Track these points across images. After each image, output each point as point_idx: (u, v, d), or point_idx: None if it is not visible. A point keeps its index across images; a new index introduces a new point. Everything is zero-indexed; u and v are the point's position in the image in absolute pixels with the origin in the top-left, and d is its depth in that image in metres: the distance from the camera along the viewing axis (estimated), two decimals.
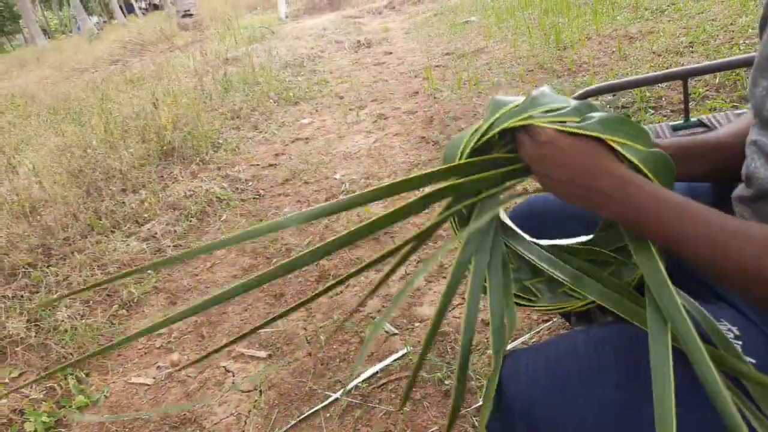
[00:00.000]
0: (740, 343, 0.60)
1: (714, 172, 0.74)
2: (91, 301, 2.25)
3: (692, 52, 3.35)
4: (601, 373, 0.62)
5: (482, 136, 0.67)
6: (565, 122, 0.62)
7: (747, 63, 1.24)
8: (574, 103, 0.64)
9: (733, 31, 3.45)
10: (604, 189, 0.59)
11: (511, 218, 0.87)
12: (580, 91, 1.30)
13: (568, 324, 1.51)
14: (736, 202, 0.69)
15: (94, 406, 1.75)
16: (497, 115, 0.66)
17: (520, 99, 0.67)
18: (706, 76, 2.86)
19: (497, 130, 0.66)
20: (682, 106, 2.70)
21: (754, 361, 0.59)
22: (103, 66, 9.34)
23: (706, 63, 1.24)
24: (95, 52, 11.12)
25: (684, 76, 1.26)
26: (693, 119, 1.31)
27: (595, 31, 4.44)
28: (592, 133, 0.61)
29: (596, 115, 0.63)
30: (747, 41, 3.21)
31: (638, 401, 0.58)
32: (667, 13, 4.38)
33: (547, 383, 0.64)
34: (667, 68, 3.18)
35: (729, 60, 1.23)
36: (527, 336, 1.61)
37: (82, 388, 1.82)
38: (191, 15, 12.03)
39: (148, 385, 1.81)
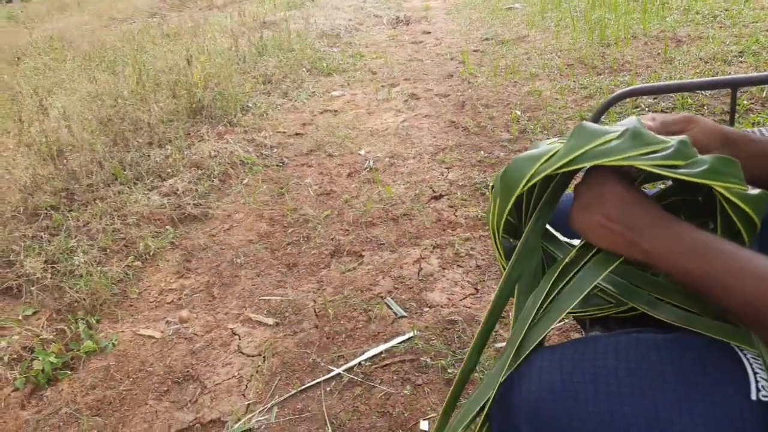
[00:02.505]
0: None
1: None
2: (108, 250, 2.28)
3: (741, 62, 3.23)
4: (619, 383, 0.60)
5: (562, 166, 0.62)
6: (671, 166, 0.58)
7: None
8: (672, 141, 0.60)
9: None
10: (638, 225, 0.60)
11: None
12: (621, 91, 1.25)
13: (580, 327, 1.48)
14: None
15: (101, 353, 1.78)
16: (587, 148, 0.60)
17: (612, 130, 0.62)
18: (753, 89, 2.76)
19: (588, 165, 0.61)
20: (725, 117, 2.62)
21: None
22: (141, 17, 9.36)
23: (759, 74, 1.18)
24: (135, 2, 11.13)
25: (734, 85, 1.20)
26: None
27: (642, 30, 4.30)
28: (698, 180, 0.58)
29: (703, 159, 0.59)
30: None
31: (654, 415, 0.56)
32: (719, 19, 4.22)
33: (561, 387, 0.62)
34: (714, 75, 3.08)
35: None
36: None
37: (92, 333, 1.85)
38: None
39: (156, 338, 1.83)
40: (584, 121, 0.64)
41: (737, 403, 0.55)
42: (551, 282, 0.67)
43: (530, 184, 0.63)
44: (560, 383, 0.62)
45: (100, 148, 2.99)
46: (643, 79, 3.30)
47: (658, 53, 3.71)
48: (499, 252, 0.74)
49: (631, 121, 0.64)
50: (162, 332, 1.85)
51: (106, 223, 2.41)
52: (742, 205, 0.59)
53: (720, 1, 4.66)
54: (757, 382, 0.57)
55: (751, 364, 0.58)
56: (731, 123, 1.24)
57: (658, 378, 0.57)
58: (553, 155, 0.62)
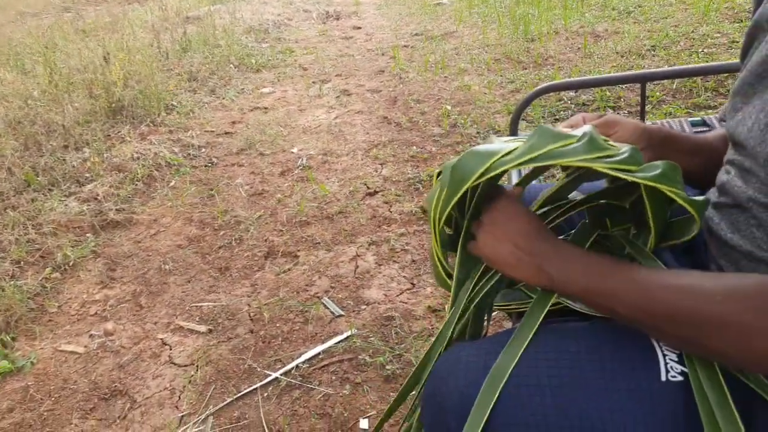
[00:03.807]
0: (677, 352, 0.61)
1: (697, 168, 0.77)
2: (22, 262, 2.13)
3: (654, 55, 3.42)
4: (538, 374, 0.61)
5: (521, 163, 0.62)
6: (626, 170, 0.60)
7: (703, 72, 1.26)
8: (624, 147, 0.63)
9: (693, 39, 3.53)
10: (541, 251, 0.64)
11: None
12: (543, 85, 1.28)
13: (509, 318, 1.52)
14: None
15: (18, 373, 1.66)
16: (548, 148, 0.61)
17: (573, 135, 0.63)
18: (665, 82, 2.93)
19: (547, 164, 0.62)
20: (639, 108, 2.77)
21: (687, 370, 0.59)
22: (54, 12, 8.79)
23: (665, 68, 1.25)
24: None
25: (642, 80, 1.27)
26: (648, 123, 1.33)
27: (563, 26, 4.47)
28: (653, 184, 0.60)
29: (656, 164, 0.62)
30: (706, 50, 3.29)
31: (574, 406, 0.58)
32: (633, 15, 4.45)
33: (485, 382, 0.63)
34: (628, 69, 3.24)
35: (686, 68, 1.25)
36: None
37: (7, 353, 1.72)
38: None
39: (79, 353, 1.73)
40: (544, 124, 0.65)
41: (648, 387, 0.57)
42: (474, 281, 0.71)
43: (484, 178, 0.63)
44: (484, 378, 0.62)
45: (8, 152, 2.78)
46: (566, 73, 3.43)
47: (579, 48, 3.87)
48: (436, 240, 0.74)
49: (587, 126, 0.65)
50: (85, 347, 1.75)
51: (19, 233, 2.25)
52: (691, 209, 0.63)
53: None
54: (666, 363, 0.59)
55: (660, 347, 0.61)
56: (641, 115, 1.31)
57: (575, 368, 0.59)
58: (510, 152, 0.62)
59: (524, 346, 0.62)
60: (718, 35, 3.51)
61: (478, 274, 0.73)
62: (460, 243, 0.74)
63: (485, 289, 0.72)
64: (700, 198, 0.65)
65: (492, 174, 0.62)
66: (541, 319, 0.64)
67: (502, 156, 0.62)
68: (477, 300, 0.72)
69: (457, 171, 0.64)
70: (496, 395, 0.59)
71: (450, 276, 0.76)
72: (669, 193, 0.61)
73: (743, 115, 0.66)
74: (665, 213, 0.68)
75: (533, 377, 0.60)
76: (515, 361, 0.61)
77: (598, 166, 0.60)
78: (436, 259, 0.76)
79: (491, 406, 0.58)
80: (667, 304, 0.55)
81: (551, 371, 0.60)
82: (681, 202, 0.63)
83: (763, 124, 0.61)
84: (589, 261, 0.63)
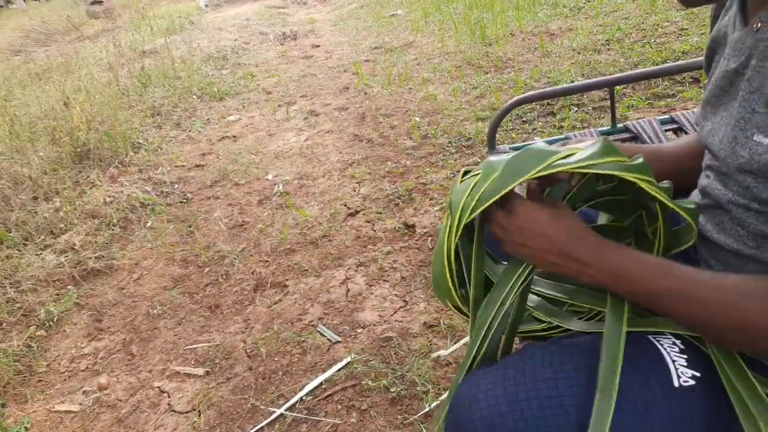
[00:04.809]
0: (685, 356, 0.63)
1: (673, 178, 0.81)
2: (4, 324, 2.07)
3: (609, 49, 3.52)
4: (560, 394, 0.63)
5: (580, 168, 0.64)
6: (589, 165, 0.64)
7: (666, 73, 1.31)
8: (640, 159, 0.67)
9: (644, 29, 3.65)
10: (582, 256, 0.65)
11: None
12: (516, 99, 1.32)
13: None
14: None
15: None
16: (607, 160, 0.64)
17: (563, 149, 0.66)
18: None
19: (600, 172, 0.64)
20: (602, 104, 2.84)
21: (698, 374, 0.62)
22: (2, 57, 8.58)
23: (631, 72, 1.30)
24: None
25: (610, 85, 1.31)
26: (619, 125, 1.37)
27: (518, 27, 4.56)
28: (669, 204, 0.66)
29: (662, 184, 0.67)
30: (658, 39, 3.41)
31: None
32: (583, 10, 4.57)
33: (507, 408, 0.64)
34: (586, 65, 3.32)
35: (651, 70, 1.30)
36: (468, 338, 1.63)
37: None
38: (101, 2, 11.26)
39: (75, 412, 1.69)
40: (605, 138, 0.68)
41: (663, 394, 0.59)
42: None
43: (540, 174, 0.64)
44: (506, 404, 0.64)
45: None
46: (526, 74, 3.50)
47: (536, 48, 3.96)
48: (455, 233, 0.70)
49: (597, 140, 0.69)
50: (80, 404, 1.71)
51: None
52: (687, 217, 0.69)
53: None
54: (676, 369, 0.62)
55: (668, 353, 0.63)
56: (612, 118, 1.35)
57: (593, 383, 0.61)
58: (567, 156, 0.65)
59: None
60: (668, 24, 3.63)
61: (502, 297, 0.71)
62: (474, 262, 0.73)
63: (509, 313, 0.72)
64: (692, 204, 0.68)
65: (547, 172, 0.63)
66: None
67: (562, 158, 0.64)
68: (499, 323, 0.71)
69: (514, 164, 0.65)
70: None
71: (455, 285, 0.74)
72: (672, 205, 0.66)
73: (713, 125, 0.70)
74: (669, 223, 0.72)
75: (555, 398, 0.62)
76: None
77: (647, 186, 0.65)
78: (445, 259, 0.72)
79: None
80: (707, 303, 0.59)
81: (572, 389, 0.62)
82: (680, 210, 0.66)
83: (731, 137, 0.64)
84: (637, 260, 0.64)
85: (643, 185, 0.64)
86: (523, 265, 0.70)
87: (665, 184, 0.67)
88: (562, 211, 0.68)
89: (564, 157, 0.64)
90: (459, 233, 0.69)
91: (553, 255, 0.66)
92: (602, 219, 0.80)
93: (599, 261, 0.64)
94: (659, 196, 0.65)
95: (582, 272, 0.65)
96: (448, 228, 0.70)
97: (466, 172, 0.72)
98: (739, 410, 0.56)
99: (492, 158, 0.69)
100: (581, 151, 0.66)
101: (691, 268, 0.63)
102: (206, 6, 10.98)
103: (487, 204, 0.66)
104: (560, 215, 0.67)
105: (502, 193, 0.65)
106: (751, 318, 0.55)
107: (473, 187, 0.68)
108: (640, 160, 0.66)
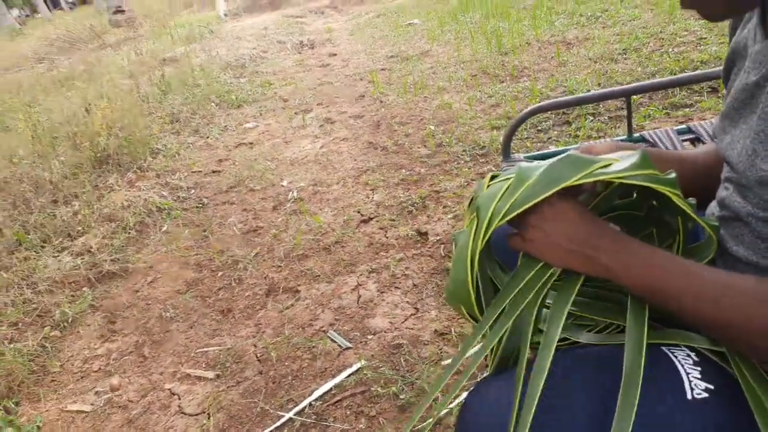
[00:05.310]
0: (699, 369, 0.62)
1: (694, 185, 0.80)
2: (20, 323, 2.10)
3: (626, 59, 3.49)
4: (571, 405, 0.62)
5: (621, 177, 0.64)
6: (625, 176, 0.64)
7: (682, 83, 1.30)
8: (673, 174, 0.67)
9: (662, 39, 3.62)
10: (601, 244, 0.64)
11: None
12: (532, 107, 1.31)
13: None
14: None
15: None
16: (648, 171, 0.64)
17: (601, 158, 0.66)
18: None
19: (638, 183, 0.65)
20: (619, 113, 2.81)
21: (712, 386, 0.60)
22: (27, 65, 8.79)
23: (647, 82, 1.29)
24: (19, 49, 10.46)
25: (627, 94, 1.30)
26: (636, 135, 1.36)
27: (534, 36, 4.56)
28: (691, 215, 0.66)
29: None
30: (676, 49, 3.38)
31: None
32: (601, 19, 4.56)
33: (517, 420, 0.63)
34: (602, 75, 3.30)
35: (668, 80, 1.28)
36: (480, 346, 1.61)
37: (11, 419, 1.69)
38: (123, 11, 11.51)
39: (86, 412, 1.70)
40: (644, 149, 0.69)
41: (677, 407, 0.58)
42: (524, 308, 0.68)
43: (580, 182, 0.64)
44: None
45: None
46: (542, 83, 3.49)
47: (552, 57, 3.95)
48: (481, 240, 0.68)
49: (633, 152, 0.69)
50: (92, 404, 1.72)
51: (15, 294, 2.22)
52: (710, 231, 0.69)
53: (599, 3, 5.04)
54: (690, 381, 0.60)
55: (682, 365, 0.62)
56: (629, 128, 1.33)
57: (607, 396, 0.60)
58: (607, 165, 0.65)
59: (544, 377, 0.62)
60: (686, 33, 3.60)
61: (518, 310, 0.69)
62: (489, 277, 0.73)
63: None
64: (716, 222, 0.69)
65: (587, 181, 0.63)
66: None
67: (602, 166, 0.64)
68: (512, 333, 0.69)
69: (553, 171, 0.65)
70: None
71: (477, 291, 0.71)
72: (699, 220, 0.67)
73: (732, 138, 0.69)
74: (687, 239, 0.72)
75: (564, 409, 0.61)
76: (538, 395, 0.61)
77: (676, 200, 0.66)
78: (468, 264, 0.69)
79: None
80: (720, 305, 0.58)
81: (580, 401, 0.61)
82: (706, 226, 0.68)
83: (751, 150, 0.63)
84: (650, 254, 0.63)
85: (674, 199, 0.65)
86: (543, 268, 0.69)
87: (691, 200, 0.67)
88: (586, 210, 0.69)
89: (603, 167, 0.64)
90: (487, 238, 0.68)
91: (571, 241, 0.65)
92: None
93: (612, 249, 0.64)
94: (688, 210, 0.66)
95: (594, 258, 0.64)
96: (473, 233, 0.68)
97: (493, 177, 0.72)
98: (760, 418, 0.55)
99: (524, 164, 0.68)
100: (618, 161, 0.66)
101: (713, 268, 0.62)
102: (226, 15, 11.16)
103: (522, 209, 0.65)
104: (587, 213, 0.68)
105: (540, 198, 0.64)
106: None
107: (504, 192, 0.67)
108: (673, 174, 0.66)
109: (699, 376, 0.60)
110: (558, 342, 0.74)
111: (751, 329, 0.56)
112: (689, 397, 0.59)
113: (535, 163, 0.68)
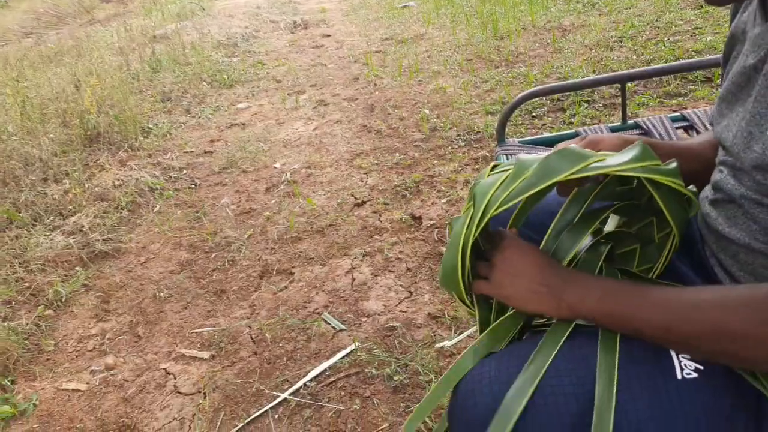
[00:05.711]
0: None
1: (691, 174, 0.81)
2: (13, 302, 2.09)
3: (621, 46, 3.50)
4: (562, 383, 0.63)
5: (618, 171, 0.65)
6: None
7: (676, 70, 1.31)
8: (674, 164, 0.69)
9: (658, 27, 3.63)
10: (560, 283, 0.68)
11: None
12: (526, 92, 1.32)
13: None
14: (704, 202, 0.78)
15: (21, 417, 1.64)
16: (646, 164, 0.65)
17: (592, 154, 0.67)
18: None
19: (638, 175, 0.66)
20: (613, 101, 2.83)
21: (701, 367, 0.62)
22: (14, 39, 8.60)
23: (642, 69, 1.30)
24: (4, 22, 10.22)
25: (622, 81, 1.31)
26: (630, 122, 1.37)
27: (530, 21, 4.54)
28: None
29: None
30: (671, 38, 3.39)
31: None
32: (597, 6, 4.54)
33: (512, 395, 0.64)
34: (598, 62, 3.31)
35: (663, 67, 1.29)
36: (473, 329, 1.65)
37: (7, 396, 1.70)
38: None
39: (82, 390, 1.71)
40: (641, 141, 0.70)
41: (666, 386, 0.60)
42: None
43: (575, 176, 0.65)
44: (512, 391, 0.64)
45: None
46: (538, 69, 3.49)
47: (548, 43, 3.94)
48: (474, 229, 0.69)
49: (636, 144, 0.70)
50: (88, 383, 1.73)
51: (7, 272, 2.21)
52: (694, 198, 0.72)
53: None
54: (680, 361, 0.62)
55: None
56: (623, 115, 1.35)
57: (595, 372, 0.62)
58: (601, 159, 0.65)
59: (546, 366, 0.64)
60: (682, 22, 3.61)
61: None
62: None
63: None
64: (694, 188, 0.73)
65: (582, 175, 0.64)
66: (565, 337, 0.66)
67: (596, 161, 0.65)
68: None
69: (549, 164, 0.65)
70: (521, 407, 0.61)
71: (464, 278, 0.73)
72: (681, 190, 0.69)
73: (728, 121, 0.70)
74: (685, 212, 0.72)
75: (558, 387, 0.63)
76: (536, 382, 0.63)
77: (680, 189, 0.68)
78: (459, 251, 0.70)
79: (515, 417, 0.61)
80: (689, 321, 0.59)
81: (575, 378, 0.62)
82: (689, 194, 0.70)
83: (747, 133, 0.64)
84: (606, 286, 0.66)
85: (677, 188, 0.67)
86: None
87: (692, 188, 0.69)
88: (541, 251, 0.73)
89: (599, 160, 0.65)
90: (482, 226, 0.68)
91: (537, 283, 0.68)
92: (611, 223, 0.81)
93: (570, 288, 0.67)
94: (693, 197, 0.69)
95: (558, 299, 0.67)
96: (468, 220, 0.69)
97: (494, 166, 0.73)
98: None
99: (524, 156, 0.69)
100: (614, 155, 0.67)
101: (668, 288, 0.64)
102: None
103: (518, 200, 0.66)
104: (540, 252, 0.72)
105: (535, 190, 0.65)
106: (739, 327, 0.55)
107: (502, 182, 0.68)
108: (674, 164, 0.68)
109: (689, 357, 0.62)
110: (550, 322, 0.76)
111: (724, 337, 0.57)
112: (679, 377, 0.60)
113: (535, 154, 0.69)
